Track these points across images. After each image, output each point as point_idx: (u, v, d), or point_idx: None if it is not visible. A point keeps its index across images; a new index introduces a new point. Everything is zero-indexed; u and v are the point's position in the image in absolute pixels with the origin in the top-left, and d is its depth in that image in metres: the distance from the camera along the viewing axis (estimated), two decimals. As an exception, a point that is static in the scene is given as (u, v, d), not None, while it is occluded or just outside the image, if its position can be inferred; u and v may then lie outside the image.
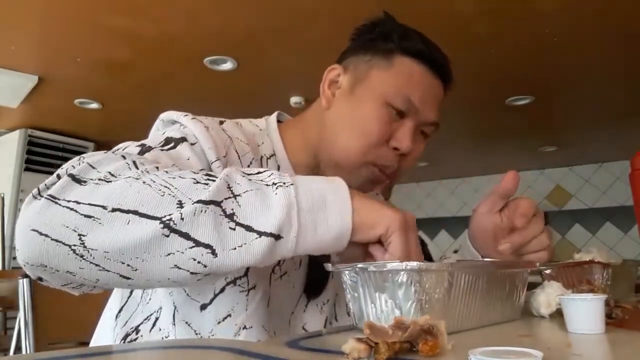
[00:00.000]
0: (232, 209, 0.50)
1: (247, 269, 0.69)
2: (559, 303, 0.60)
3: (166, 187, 0.50)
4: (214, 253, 0.49)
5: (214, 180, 0.52)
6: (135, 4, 2.10)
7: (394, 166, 0.78)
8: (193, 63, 2.66)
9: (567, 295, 0.57)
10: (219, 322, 0.68)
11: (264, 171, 0.56)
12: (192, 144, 0.68)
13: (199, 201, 0.49)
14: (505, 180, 0.75)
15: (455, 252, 0.93)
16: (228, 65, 2.70)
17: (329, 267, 0.59)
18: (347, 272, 0.57)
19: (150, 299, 0.72)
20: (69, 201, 0.49)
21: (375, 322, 0.41)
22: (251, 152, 0.76)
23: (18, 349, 2.00)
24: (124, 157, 0.55)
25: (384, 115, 0.75)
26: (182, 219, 0.48)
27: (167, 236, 0.48)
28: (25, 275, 1.17)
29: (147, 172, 0.52)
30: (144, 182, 0.50)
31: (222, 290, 0.70)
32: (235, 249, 0.49)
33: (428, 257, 1.47)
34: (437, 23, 2.20)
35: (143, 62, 2.64)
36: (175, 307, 0.69)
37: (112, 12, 2.16)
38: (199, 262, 0.49)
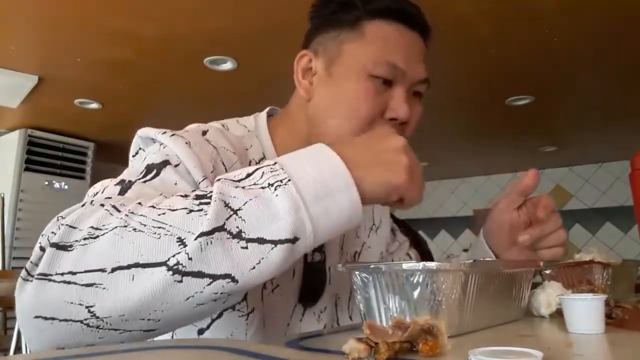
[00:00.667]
0: (238, 227, 0.46)
1: (246, 292, 0.67)
2: (559, 303, 0.60)
3: (160, 227, 0.45)
4: (234, 280, 0.45)
5: (207, 203, 0.47)
6: (136, 5, 2.10)
7: None
8: (193, 63, 2.66)
9: (567, 295, 0.57)
10: None
11: (253, 171, 0.50)
12: (175, 166, 0.63)
13: (201, 234, 0.44)
14: (527, 177, 0.76)
15: (465, 250, 0.93)
16: (228, 65, 2.70)
17: (339, 267, 0.58)
18: (357, 272, 0.56)
19: None
20: (62, 274, 0.44)
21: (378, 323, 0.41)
22: (238, 161, 0.72)
23: (18, 348, 2.00)
24: (102, 204, 0.50)
25: (370, 88, 0.71)
26: (190, 258, 0.44)
27: (180, 281, 0.44)
28: (25, 275, 1.17)
29: (133, 213, 0.47)
30: (134, 229, 0.45)
31: (220, 315, 0.67)
32: (254, 267, 0.46)
33: (428, 256, 1.47)
34: (437, 23, 2.19)
35: (143, 62, 2.64)
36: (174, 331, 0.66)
37: (113, 13, 2.16)
38: (221, 294, 0.46)
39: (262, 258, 0.46)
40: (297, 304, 0.76)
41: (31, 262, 0.47)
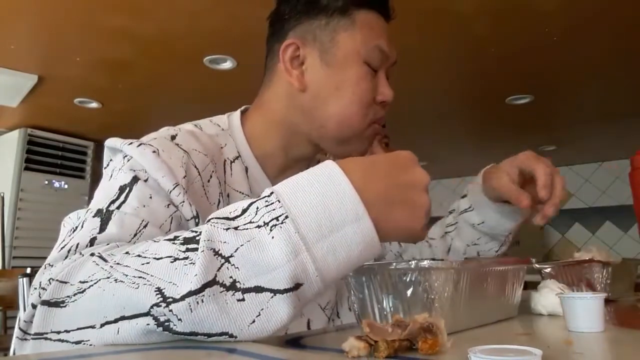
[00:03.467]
0: (231, 277, 0.41)
1: None
2: (558, 301, 0.60)
3: (140, 277, 0.43)
4: (232, 336, 0.41)
5: (194, 250, 0.42)
6: (135, 4, 2.10)
7: (384, 117, 0.79)
8: (193, 62, 2.66)
9: (567, 294, 0.57)
10: None
11: (248, 206, 0.45)
12: (145, 181, 0.62)
13: (189, 293, 0.40)
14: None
15: (464, 197, 0.94)
16: (228, 65, 2.70)
17: None
18: (350, 273, 0.56)
19: None
20: (58, 332, 0.44)
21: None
22: (211, 163, 0.70)
23: (18, 348, 1.99)
24: (92, 254, 0.48)
25: (367, 74, 0.74)
26: (180, 319, 0.40)
27: (172, 335, 0.42)
28: (25, 275, 1.17)
29: (118, 264, 0.45)
30: (115, 280, 0.43)
31: None
32: (254, 321, 0.41)
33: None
34: (437, 23, 2.20)
35: (143, 61, 2.64)
36: None
37: (112, 12, 2.16)
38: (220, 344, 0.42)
39: (262, 309, 0.41)
40: None
41: (24, 320, 0.47)
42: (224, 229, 0.43)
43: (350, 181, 0.45)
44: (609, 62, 2.67)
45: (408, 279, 0.50)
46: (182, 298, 0.40)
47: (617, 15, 2.19)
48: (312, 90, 0.74)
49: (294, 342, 0.49)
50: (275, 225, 0.43)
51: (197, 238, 0.44)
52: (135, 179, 0.62)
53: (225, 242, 0.43)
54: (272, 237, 0.42)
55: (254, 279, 0.41)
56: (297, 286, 0.42)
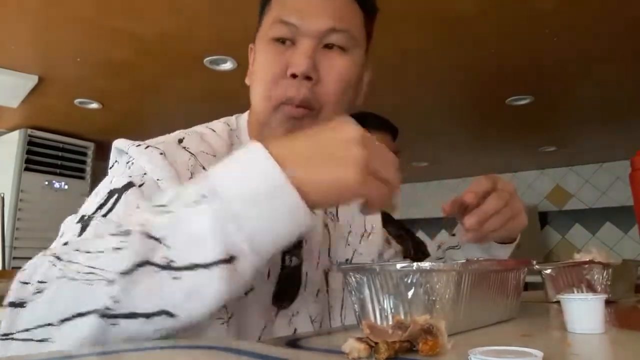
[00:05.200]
0: (165, 256, 0.42)
1: None
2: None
3: (90, 272, 0.43)
4: (171, 315, 0.42)
5: (130, 234, 0.44)
6: (136, 5, 2.10)
7: (302, 93, 0.68)
8: (193, 63, 2.66)
9: (568, 295, 0.57)
10: None
11: (180, 189, 0.47)
12: (140, 186, 0.61)
13: (122, 273, 0.41)
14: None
15: (454, 235, 0.90)
16: (228, 65, 2.70)
17: (334, 268, 0.58)
18: (352, 273, 0.56)
19: None
20: (22, 332, 0.44)
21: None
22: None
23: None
24: (53, 254, 0.48)
25: (271, 50, 0.71)
26: (117, 301, 0.41)
27: (116, 324, 0.42)
28: (25, 275, 1.17)
29: (70, 262, 0.45)
30: (70, 279, 0.44)
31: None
32: (190, 297, 0.42)
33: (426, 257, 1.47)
34: (437, 23, 2.20)
35: (143, 62, 2.64)
36: None
37: (113, 12, 2.16)
38: (165, 328, 0.43)
39: (196, 285, 0.42)
40: (270, 307, 0.71)
41: None
42: (156, 211, 0.45)
43: (268, 150, 0.46)
44: (609, 62, 2.67)
45: (409, 280, 0.50)
46: (118, 280, 0.41)
47: (617, 15, 2.19)
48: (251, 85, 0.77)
49: (294, 343, 0.49)
50: (201, 201, 0.44)
51: (130, 228, 0.45)
52: (128, 186, 0.61)
53: (157, 222, 0.44)
54: (199, 212, 0.43)
55: (188, 258, 0.42)
56: (231, 259, 0.43)
